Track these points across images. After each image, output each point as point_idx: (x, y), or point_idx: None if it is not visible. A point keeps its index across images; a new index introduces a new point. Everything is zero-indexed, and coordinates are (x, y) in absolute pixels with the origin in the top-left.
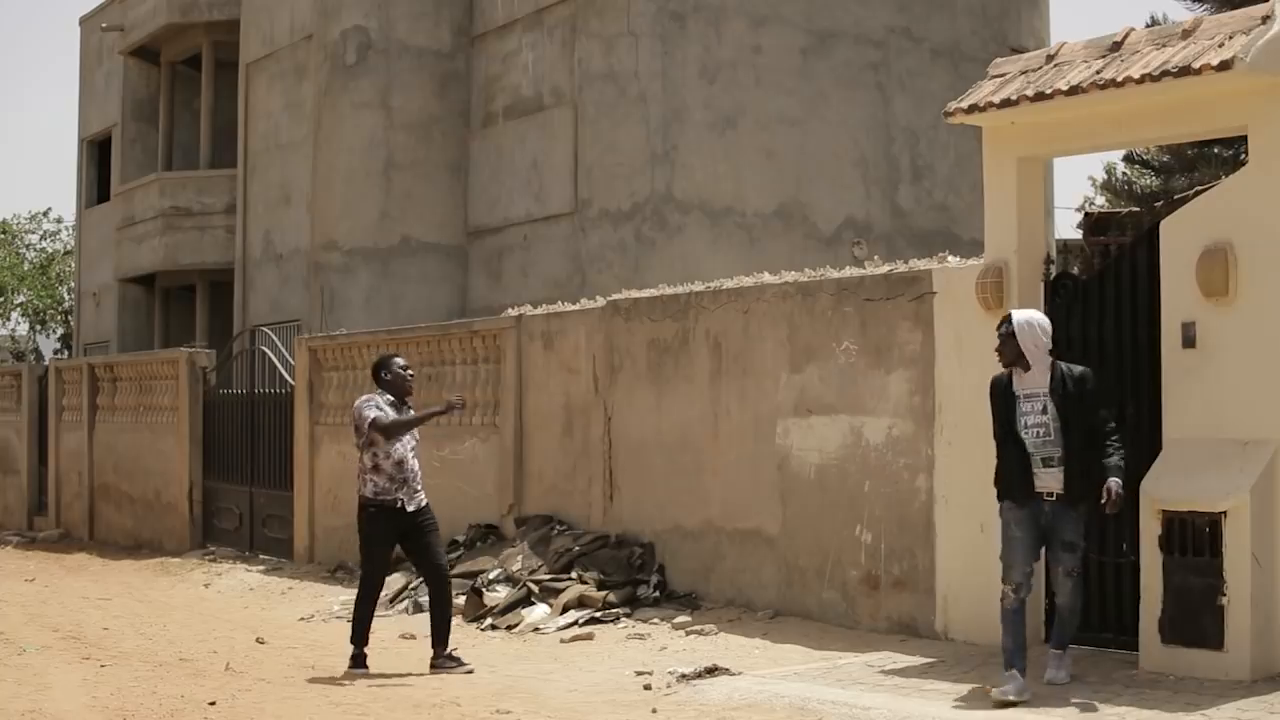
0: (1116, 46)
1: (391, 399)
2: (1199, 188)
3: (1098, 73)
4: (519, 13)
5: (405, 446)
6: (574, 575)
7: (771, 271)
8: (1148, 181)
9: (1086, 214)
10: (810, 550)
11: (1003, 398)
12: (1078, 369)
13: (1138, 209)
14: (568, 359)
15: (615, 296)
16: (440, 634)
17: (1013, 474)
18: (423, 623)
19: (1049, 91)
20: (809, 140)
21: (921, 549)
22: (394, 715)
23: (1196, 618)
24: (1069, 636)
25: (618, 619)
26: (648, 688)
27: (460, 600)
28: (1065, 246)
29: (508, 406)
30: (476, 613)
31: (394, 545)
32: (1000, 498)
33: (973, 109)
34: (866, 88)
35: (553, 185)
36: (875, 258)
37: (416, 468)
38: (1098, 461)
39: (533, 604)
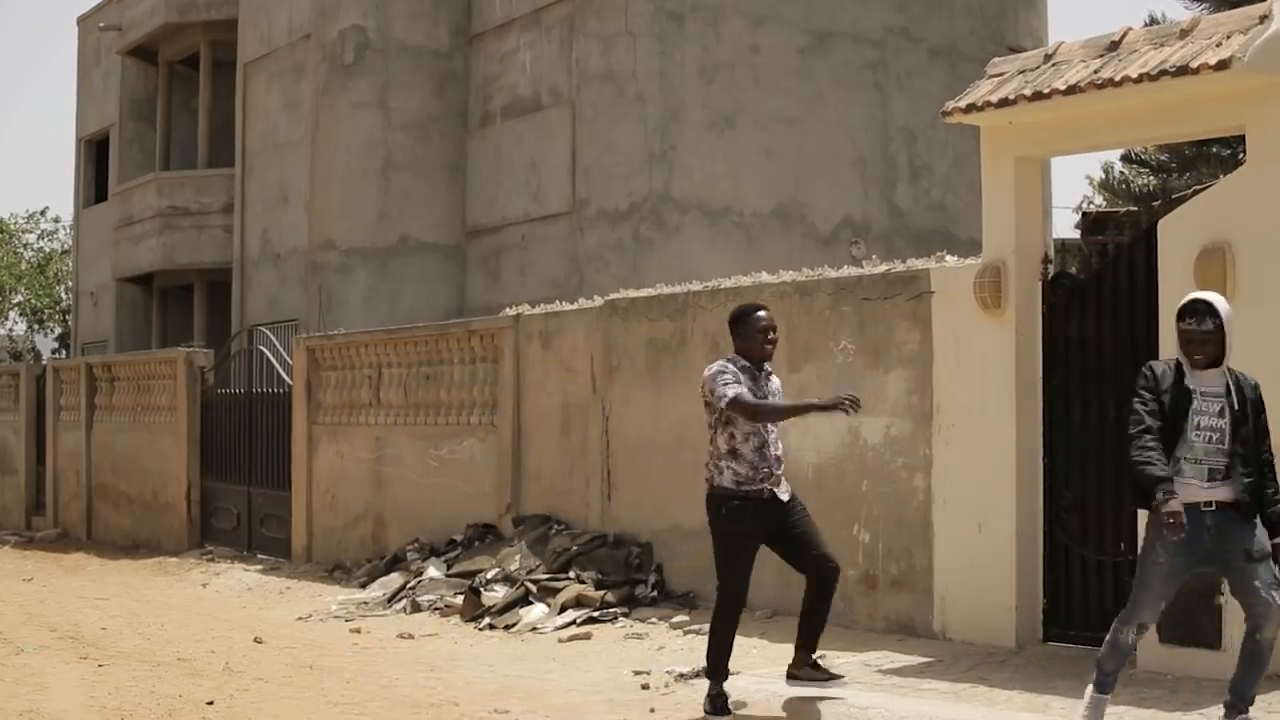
0: (1114, 46)
1: (746, 364)
2: (1197, 187)
3: (1096, 72)
4: (517, 12)
5: (767, 429)
6: (572, 575)
7: (769, 271)
8: (1145, 181)
9: (1084, 213)
10: None
11: (1174, 388)
12: (1251, 377)
13: (1135, 208)
14: (566, 358)
15: (613, 296)
16: (813, 637)
17: (1149, 477)
18: (421, 622)
19: (1047, 91)
20: (807, 140)
21: (919, 549)
22: (391, 714)
23: (1194, 617)
24: (1258, 682)
25: (615, 618)
26: (645, 687)
27: (457, 600)
28: (1063, 246)
29: (505, 406)
30: (474, 612)
31: (760, 545)
32: (1150, 523)
33: (970, 108)
34: (864, 87)
35: (550, 185)
36: (873, 257)
37: (781, 451)
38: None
39: (530, 603)
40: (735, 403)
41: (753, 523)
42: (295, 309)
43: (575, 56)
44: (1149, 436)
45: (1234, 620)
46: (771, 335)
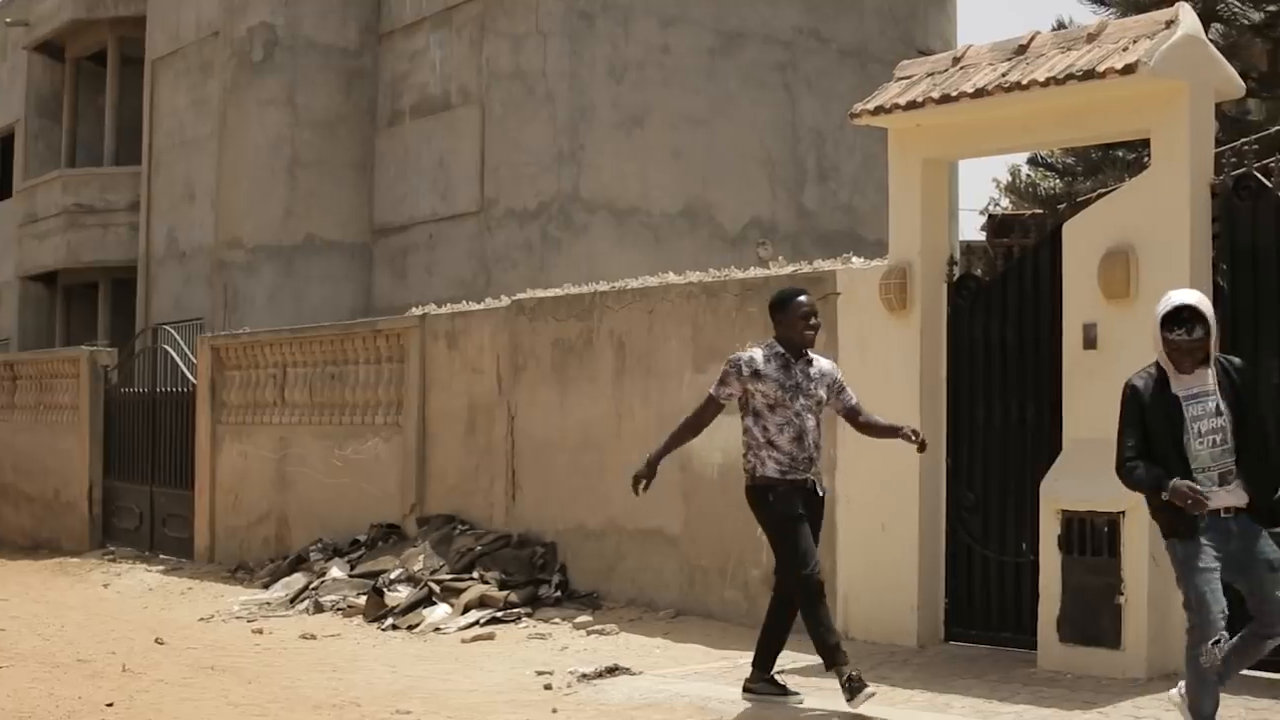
0: (1022, 50)
1: (782, 350)
2: (1102, 191)
3: (1003, 75)
4: (427, 11)
5: (805, 417)
6: (476, 575)
7: (676, 271)
8: (1052, 184)
9: (990, 216)
10: (712, 550)
11: (1161, 406)
12: (1235, 358)
13: (1041, 211)
14: (472, 359)
15: (520, 296)
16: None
17: (1157, 492)
18: (324, 623)
19: (954, 94)
20: (716, 140)
21: (823, 548)
22: (293, 715)
23: (1094, 617)
24: None
25: (519, 619)
26: (548, 687)
27: (360, 600)
28: (969, 248)
29: (411, 406)
30: (377, 613)
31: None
32: (1171, 534)
33: (879, 110)
34: (774, 88)
35: (459, 184)
36: (780, 258)
37: (819, 441)
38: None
39: (434, 604)
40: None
41: (800, 504)
42: (200, 308)
43: (485, 56)
44: (1132, 464)
45: (1134, 620)
46: (814, 320)
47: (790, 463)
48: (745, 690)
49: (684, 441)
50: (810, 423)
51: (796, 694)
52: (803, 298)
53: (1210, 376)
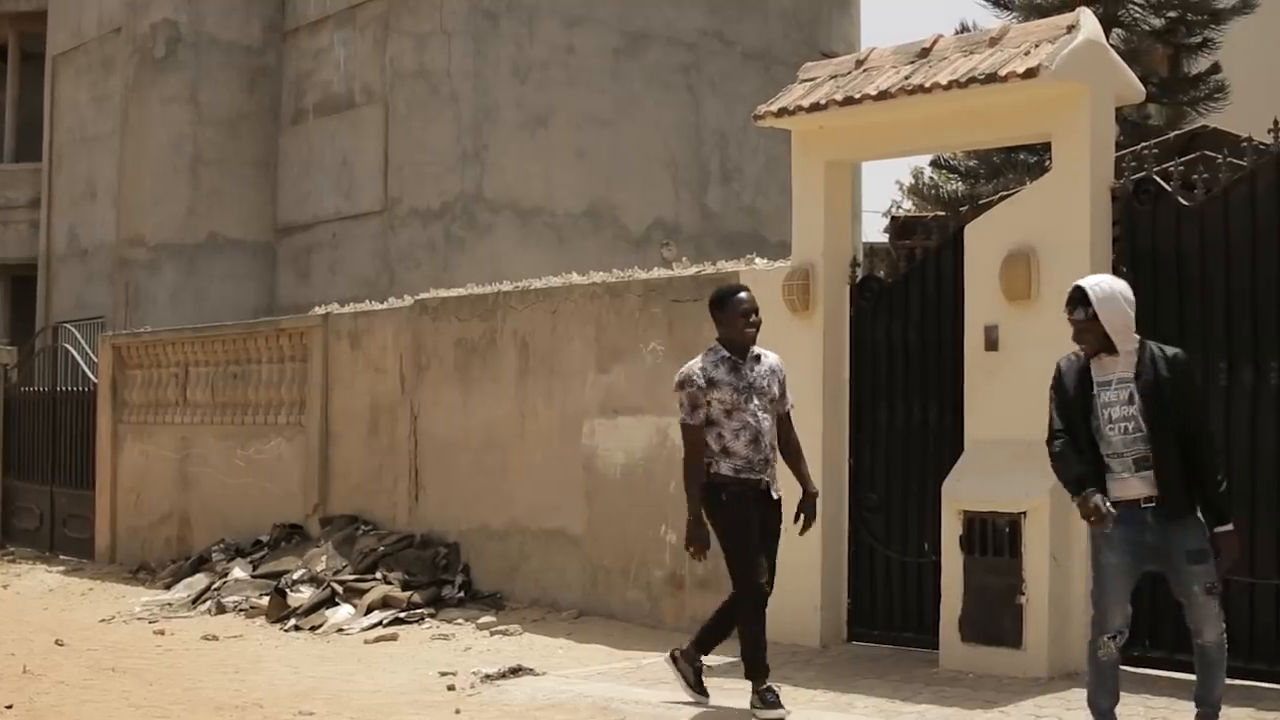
0: (925, 53)
1: (727, 354)
2: (1004, 193)
3: (906, 78)
4: (331, 9)
5: (759, 416)
6: (379, 575)
7: (580, 272)
8: (954, 186)
9: (893, 218)
10: (615, 550)
11: (1075, 386)
12: (1170, 349)
13: (943, 213)
14: (375, 358)
15: (423, 296)
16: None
17: (1079, 481)
18: (226, 624)
19: (858, 96)
20: (620, 141)
21: None
22: (195, 717)
23: (996, 617)
24: (1221, 688)
25: (422, 619)
26: (452, 688)
27: (262, 601)
28: (871, 250)
29: (313, 405)
30: (280, 613)
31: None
32: (1086, 520)
33: (782, 112)
34: (678, 89)
35: (363, 183)
36: (683, 259)
37: (774, 441)
38: (1198, 483)
39: (337, 604)
40: (684, 428)
41: (753, 509)
42: (102, 306)
43: (389, 54)
44: (1058, 441)
45: (1035, 620)
46: (754, 319)
47: (746, 465)
48: (671, 656)
49: (700, 478)
50: (766, 423)
51: (706, 695)
52: (742, 294)
53: (1132, 364)
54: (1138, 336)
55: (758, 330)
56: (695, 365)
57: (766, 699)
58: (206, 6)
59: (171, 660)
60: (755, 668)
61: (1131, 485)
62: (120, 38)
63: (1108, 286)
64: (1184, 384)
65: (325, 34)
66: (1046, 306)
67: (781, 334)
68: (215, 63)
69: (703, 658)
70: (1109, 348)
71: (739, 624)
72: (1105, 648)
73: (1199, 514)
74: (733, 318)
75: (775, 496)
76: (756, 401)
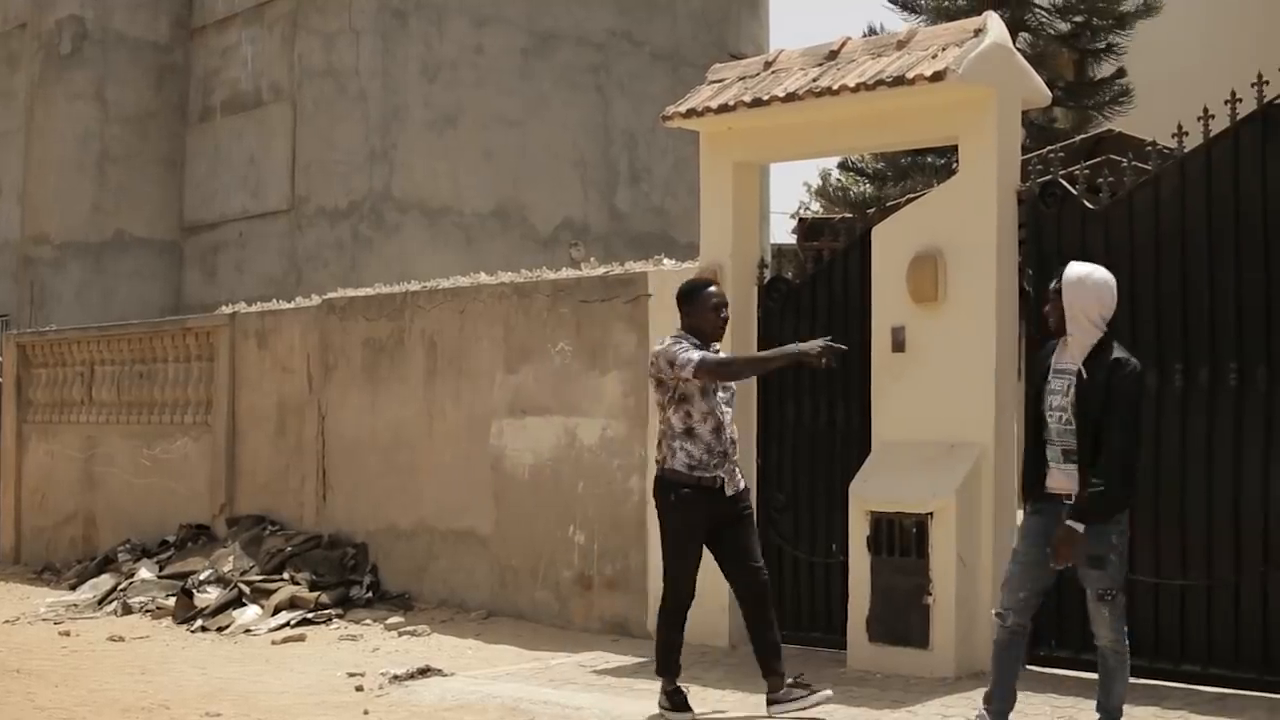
0: (833, 55)
1: (696, 341)
2: (911, 195)
3: (814, 80)
4: (239, 7)
5: (723, 409)
6: (286, 576)
7: (488, 272)
8: (862, 189)
9: (801, 219)
10: (524, 551)
11: (1038, 368)
12: (1125, 355)
13: (851, 215)
14: (282, 358)
15: (330, 295)
16: (773, 660)
17: (1026, 466)
18: (132, 625)
19: (766, 98)
20: (528, 141)
21: (634, 549)
22: (101, 719)
23: (903, 617)
24: (1121, 692)
25: (330, 620)
26: (360, 689)
27: (169, 601)
28: (779, 251)
29: (220, 405)
30: (186, 614)
31: (705, 538)
32: (1020, 498)
33: (690, 113)
34: (586, 90)
35: (270, 182)
36: (592, 259)
37: (735, 436)
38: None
39: (244, 605)
40: (703, 366)
41: (700, 515)
42: (6, 304)
43: (297, 53)
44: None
45: (942, 620)
46: (725, 313)
47: (705, 455)
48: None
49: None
50: (728, 416)
51: (689, 711)
52: (713, 288)
53: (1082, 357)
54: (1102, 332)
55: (726, 324)
56: (676, 335)
57: (675, 700)
58: (114, 3)
59: (77, 661)
60: (669, 668)
61: (1056, 477)
62: (25, 34)
63: (1084, 272)
64: (1118, 388)
65: (233, 31)
66: (953, 308)
67: None
68: (122, 60)
69: (781, 668)
70: (1062, 331)
71: (658, 623)
72: (996, 625)
73: (1115, 518)
74: (704, 310)
75: (730, 493)
76: (721, 394)
